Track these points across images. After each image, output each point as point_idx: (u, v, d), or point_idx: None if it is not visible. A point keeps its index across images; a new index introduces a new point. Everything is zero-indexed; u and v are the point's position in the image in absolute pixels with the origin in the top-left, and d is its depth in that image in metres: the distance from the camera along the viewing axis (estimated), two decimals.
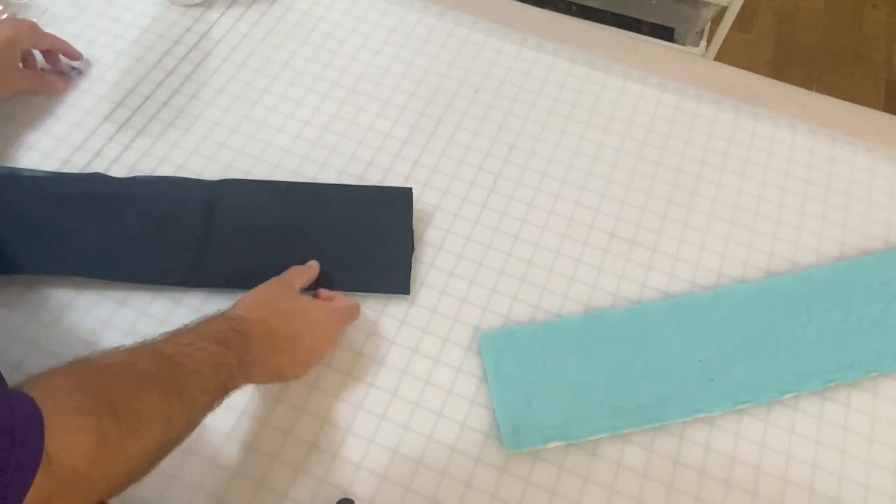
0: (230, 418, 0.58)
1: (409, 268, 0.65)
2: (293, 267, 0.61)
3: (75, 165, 0.70)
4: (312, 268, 0.62)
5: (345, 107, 0.77)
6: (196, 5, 0.83)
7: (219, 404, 0.49)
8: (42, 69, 0.75)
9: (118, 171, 0.70)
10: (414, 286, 0.65)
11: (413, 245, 0.66)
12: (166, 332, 0.49)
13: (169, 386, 0.45)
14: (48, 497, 0.36)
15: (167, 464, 0.55)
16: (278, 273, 0.60)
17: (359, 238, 0.65)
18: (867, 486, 0.57)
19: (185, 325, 0.51)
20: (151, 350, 0.46)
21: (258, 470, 0.56)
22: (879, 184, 0.74)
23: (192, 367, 0.47)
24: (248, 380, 0.52)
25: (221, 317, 0.53)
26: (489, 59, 0.81)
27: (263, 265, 0.60)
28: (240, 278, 0.61)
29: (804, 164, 0.75)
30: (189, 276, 0.63)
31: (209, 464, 0.56)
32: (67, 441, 0.37)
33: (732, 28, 1.29)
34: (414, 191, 0.69)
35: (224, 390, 0.49)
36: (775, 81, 0.82)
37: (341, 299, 0.61)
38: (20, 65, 0.71)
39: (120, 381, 0.42)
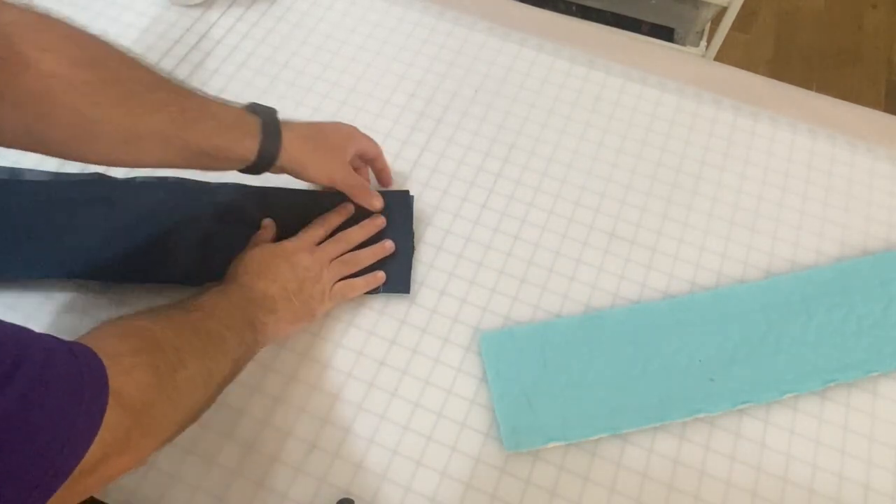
0: (230, 418, 0.58)
1: (410, 269, 0.65)
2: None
3: (75, 165, 0.70)
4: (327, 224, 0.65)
5: (345, 107, 0.77)
6: (196, 5, 0.83)
7: (253, 345, 0.54)
8: None
9: (118, 171, 0.70)
10: (414, 286, 0.65)
11: (413, 246, 0.66)
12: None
13: (197, 324, 0.49)
14: (127, 431, 0.39)
15: (167, 464, 0.56)
16: None
17: (361, 243, 0.65)
18: (867, 486, 0.57)
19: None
20: (168, 305, 0.51)
21: (258, 470, 0.56)
22: (879, 184, 0.74)
23: (209, 310, 0.52)
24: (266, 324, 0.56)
25: (211, 290, 0.56)
26: (489, 59, 0.81)
27: None
28: None
29: (804, 164, 0.75)
30: (190, 280, 0.63)
31: (209, 464, 0.56)
32: (129, 378, 0.40)
33: (732, 28, 1.29)
34: (414, 191, 0.69)
35: (250, 326, 0.54)
36: (775, 81, 0.82)
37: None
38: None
39: (155, 324, 0.46)
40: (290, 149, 0.59)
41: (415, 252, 0.66)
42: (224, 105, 0.57)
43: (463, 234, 0.69)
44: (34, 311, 0.62)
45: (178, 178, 0.68)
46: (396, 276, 0.64)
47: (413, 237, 0.66)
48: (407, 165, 0.72)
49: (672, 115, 0.78)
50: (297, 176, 0.61)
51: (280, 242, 0.61)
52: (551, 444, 0.57)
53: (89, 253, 0.63)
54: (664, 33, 1.41)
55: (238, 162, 0.57)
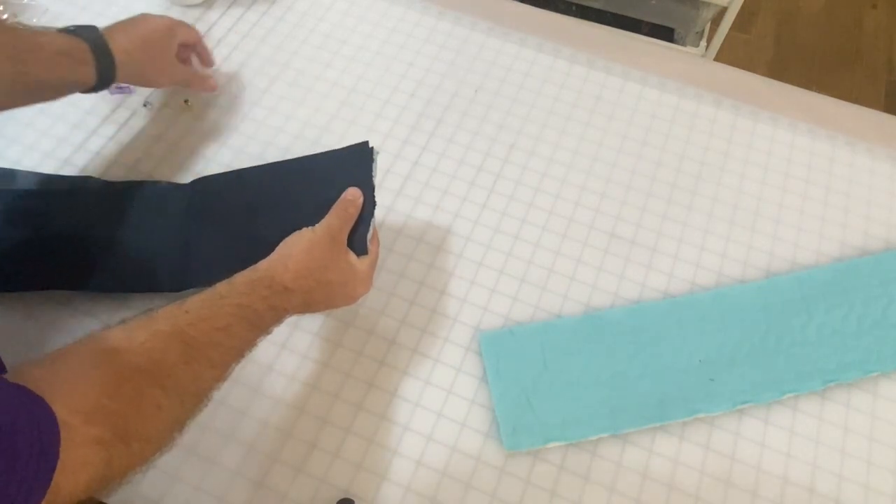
0: (230, 418, 0.58)
1: (368, 227, 0.58)
2: (336, 211, 0.56)
3: (75, 166, 0.70)
4: (355, 204, 0.57)
5: (345, 107, 0.77)
6: (196, 5, 0.83)
7: (255, 336, 0.52)
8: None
9: (118, 172, 0.70)
10: (414, 286, 0.65)
11: (375, 202, 0.59)
12: (203, 296, 0.49)
13: (188, 387, 0.46)
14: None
15: (167, 464, 0.56)
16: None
17: (323, 205, 0.58)
18: (867, 486, 0.57)
19: (223, 294, 0.50)
20: (179, 338, 0.46)
21: (258, 470, 0.56)
22: (879, 184, 0.74)
23: (217, 359, 0.48)
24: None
25: (264, 291, 0.51)
26: (489, 59, 0.81)
27: (247, 257, 0.57)
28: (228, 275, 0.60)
29: (804, 164, 0.75)
30: (176, 282, 0.62)
31: (209, 464, 0.56)
32: (75, 474, 0.38)
33: (732, 28, 1.30)
34: (414, 191, 0.69)
35: (252, 325, 0.51)
36: (775, 81, 0.82)
37: (375, 243, 0.59)
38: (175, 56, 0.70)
39: (139, 400, 0.43)
40: (124, 66, 0.63)
41: (415, 250, 0.66)
42: (53, 34, 0.60)
43: (463, 233, 0.69)
44: (34, 309, 0.62)
45: (155, 182, 0.68)
46: (354, 238, 0.57)
47: (373, 191, 0.59)
48: (407, 165, 0.72)
49: (672, 115, 0.78)
50: (138, 84, 0.70)
51: (354, 262, 0.56)
52: (551, 444, 0.57)
53: (75, 264, 0.62)
54: (664, 33, 1.41)
55: (80, 87, 0.62)
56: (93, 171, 0.70)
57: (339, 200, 0.57)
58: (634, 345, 0.61)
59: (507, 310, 0.64)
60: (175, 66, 0.69)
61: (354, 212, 0.57)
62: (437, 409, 0.59)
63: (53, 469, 0.36)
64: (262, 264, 0.53)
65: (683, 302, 0.64)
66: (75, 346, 0.43)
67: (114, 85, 0.74)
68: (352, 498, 0.55)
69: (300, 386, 0.60)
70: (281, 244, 0.54)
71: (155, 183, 0.69)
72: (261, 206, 0.62)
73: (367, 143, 0.61)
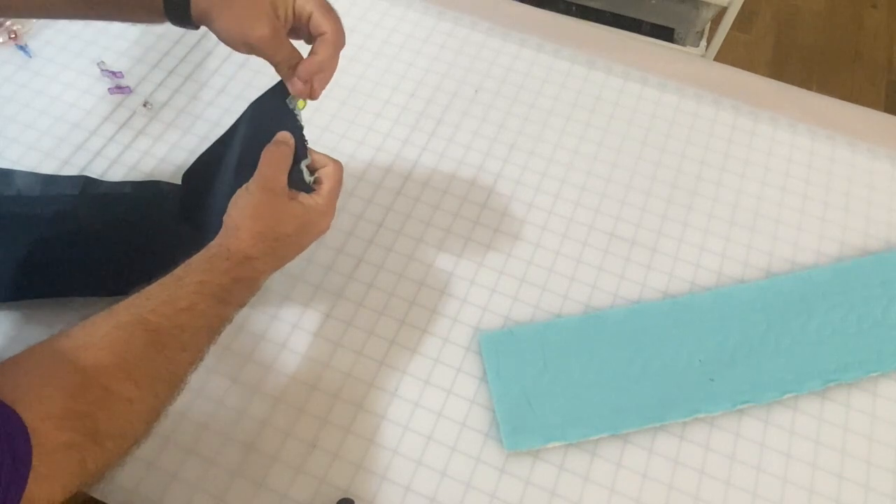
0: (230, 419, 0.58)
1: (300, 165, 0.53)
2: (264, 159, 0.52)
3: (75, 166, 0.70)
4: (285, 144, 0.53)
5: (344, 107, 0.77)
6: None
7: (228, 310, 0.50)
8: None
9: (118, 171, 0.70)
10: (414, 286, 0.65)
11: (302, 135, 0.54)
12: (161, 281, 0.48)
13: (160, 376, 0.45)
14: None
15: (167, 464, 0.56)
16: None
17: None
18: (867, 486, 0.57)
19: (181, 275, 0.48)
20: (142, 326, 0.45)
21: (258, 470, 0.56)
22: (879, 184, 0.74)
23: (187, 341, 0.47)
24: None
25: (224, 264, 0.49)
26: (489, 59, 0.81)
27: None
28: None
29: (804, 164, 0.75)
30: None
31: (209, 464, 0.56)
32: (49, 481, 0.38)
33: (732, 28, 1.30)
34: (415, 191, 0.69)
35: (221, 301, 0.49)
36: (775, 81, 0.82)
37: (330, 171, 0.54)
38: (281, 21, 0.50)
39: (108, 397, 0.42)
40: None
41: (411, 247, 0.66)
42: None
43: (463, 233, 0.69)
44: (35, 311, 0.62)
45: (155, 182, 0.68)
46: (291, 178, 0.53)
47: (299, 125, 0.54)
48: (407, 165, 0.72)
49: (672, 115, 0.78)
50: (218, 35, 0.51)
51: (305, 201, 0.52)
52: (551, 444, 0.57)
53: (70, 270, 0.62)
54: (664, 33, 1.41)
55: (149, 10, 0.51)
56: (93, 172, 0.70)
57: (266, 147, 0.52)
58: (634, 345, 0.61)
59: (507, 310, 0.64)
60: (259, 24, 0.48)
61: (288, 151, 0.52)
62: (437, 409, 0.59)
63: (27, 478, 0.36)
64: (216, 240, 0.51)
65: (683, 302, 0.64)
66: (37, 348, 0.42)
67: (114, 85, 0.75)
68: (352, 498, 0.55)
69: (300, 386, 0.60)
70: (225, 216, 0.52)
71: (155, 183, 0.69)
72: (229, 188, 0.61)
73: (280, 82, 0.56)
